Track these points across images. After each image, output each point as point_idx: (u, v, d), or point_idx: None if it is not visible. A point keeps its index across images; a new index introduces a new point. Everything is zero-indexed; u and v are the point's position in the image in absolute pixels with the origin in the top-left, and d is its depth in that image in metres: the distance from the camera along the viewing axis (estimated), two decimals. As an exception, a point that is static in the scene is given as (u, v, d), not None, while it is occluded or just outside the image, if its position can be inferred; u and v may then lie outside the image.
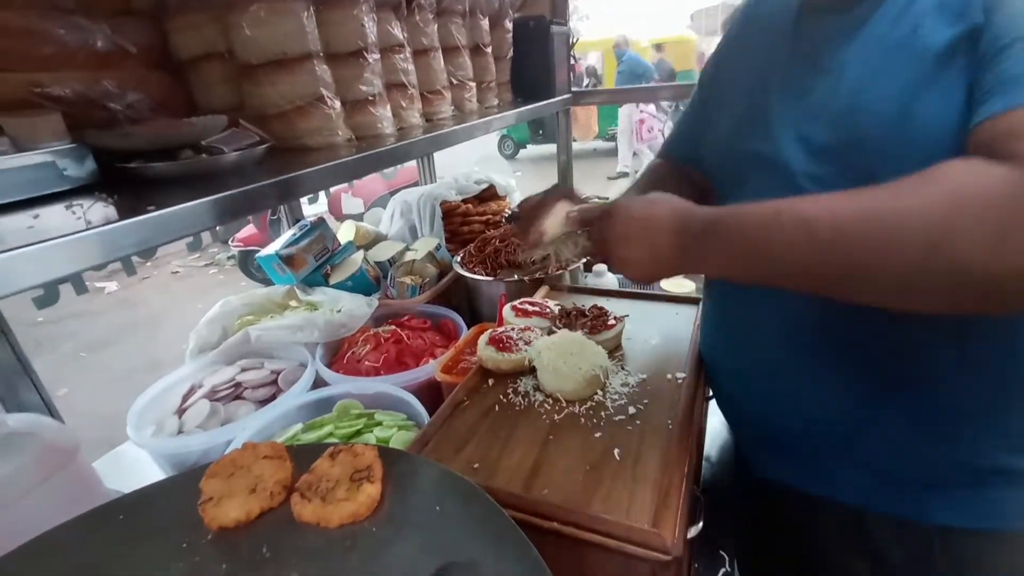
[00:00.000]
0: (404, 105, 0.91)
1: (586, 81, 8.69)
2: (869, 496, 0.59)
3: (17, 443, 0.65)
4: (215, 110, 0.72)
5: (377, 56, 0.82)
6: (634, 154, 6.67)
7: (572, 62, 1.52)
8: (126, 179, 0.57)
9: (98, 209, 0.47)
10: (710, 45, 2.91)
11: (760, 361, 0.64)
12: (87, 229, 0.41)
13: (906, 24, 0.46)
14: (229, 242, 4.64)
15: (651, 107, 6.49)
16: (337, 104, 0.76)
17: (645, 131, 6.25)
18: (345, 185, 4.91)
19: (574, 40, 1.48)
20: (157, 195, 0.53)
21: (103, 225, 0.40)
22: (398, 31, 0.88)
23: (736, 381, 0.70)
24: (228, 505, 0.50)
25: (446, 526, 0.47)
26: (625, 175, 6.71)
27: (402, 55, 0.89)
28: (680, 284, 1.42)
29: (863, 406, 0.56)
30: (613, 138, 8.37)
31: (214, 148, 0.60)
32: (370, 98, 0.81)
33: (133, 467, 0.94)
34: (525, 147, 9.20)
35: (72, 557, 0.48)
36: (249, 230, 4.42)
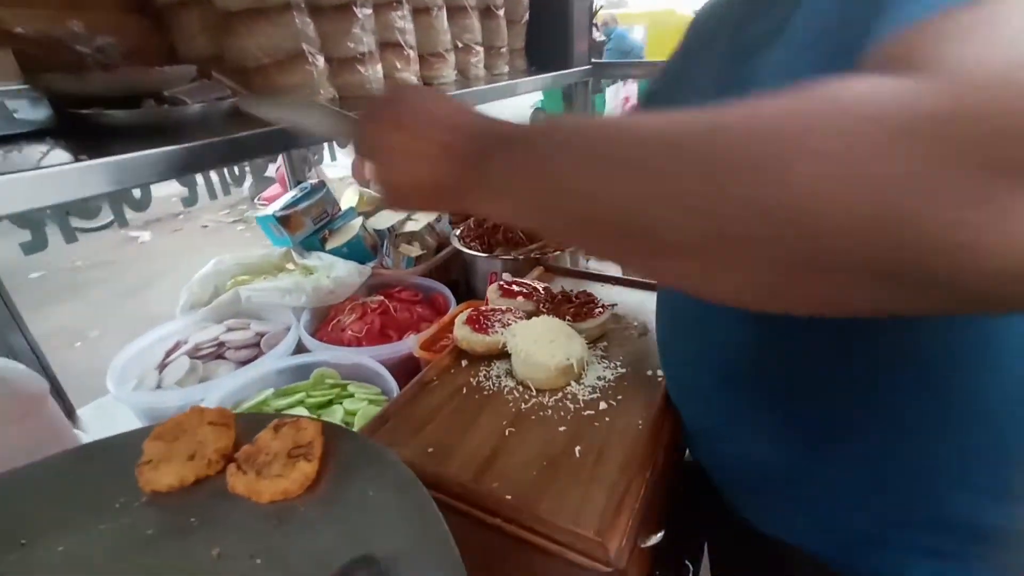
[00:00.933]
0: (399, 66, 0.86)
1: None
2: (831, 550, 0.50)
3: (-15, 386, 0.66)
4: (195, 60, 0.69)
5: (369, 11, 0.77)
6: None
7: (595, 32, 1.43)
8: (82, 126, 0.55)
9: (30, 154, 0.45)
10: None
11: (700, 399, 0.57)
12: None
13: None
14: (255, 200, 4.71)
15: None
16: (320, 60, 0.72)
17: (631, 111, 5.98)
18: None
19: (598, 8, 1.39)
20: (110, 144, 0.50)
21: (16, 172, 0.38)
22: (396, -15, 0.83)
23: (687, 419, 0.63)
24: (164, 470, 0.49)
25: (374, 514, 0.45)
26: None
27: (399, 12, 0.84)
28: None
29: (805, 452, 0.48)
30: (649, 117, 8.07)
31: (177, 99, 0.57)
32: (359, 56, 0.76)
33: (116, 416, 0.95)
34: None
35: (5, 506, 0.48)
36: (276, 189, 4.47)
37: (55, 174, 0.41)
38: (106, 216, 4.09)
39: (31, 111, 0.52)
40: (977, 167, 0.18)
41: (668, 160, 0.24)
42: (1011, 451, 0.41)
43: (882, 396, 0.42)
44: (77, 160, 0.42)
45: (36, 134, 0.52)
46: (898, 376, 0.41)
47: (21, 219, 0.79)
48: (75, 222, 1.10)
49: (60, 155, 0.46)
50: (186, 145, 0.48)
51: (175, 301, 1.09)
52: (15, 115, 0.50)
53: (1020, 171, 0.18)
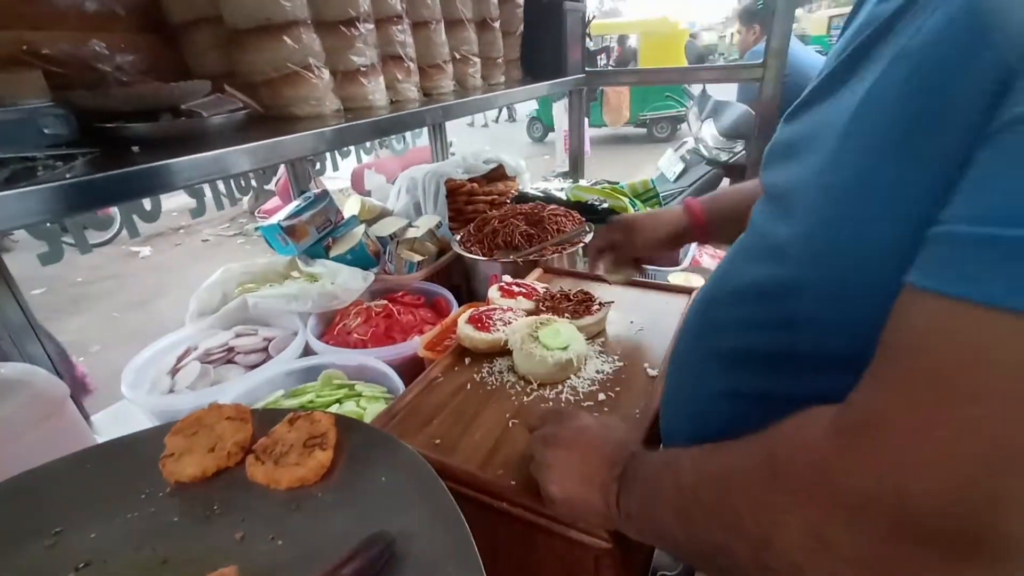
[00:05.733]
0: (400, 78, 0.90)
1: (631, 64, 8.62)
2: None
3: (8, 390, 0.68)
4: (207, 76, 0.72)
5: (371, 26, 0.81)
6: None
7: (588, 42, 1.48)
8: (106, 139, 0.58)
9: (64, 167, 0.48)
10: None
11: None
12: (35, 185, 0.42)
13: None
14: (255, 213, 4.75)
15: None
16: (325, 74, 0.75)
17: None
18: (369, 160, 4.92)
19: (590, 19, 1.43)
20: (132, 156, 0.54)
21: (50, 183, 0.41)
22: (396, 1, 0.87)
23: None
24: (187, 461, 0.52)
25: (387, 497, 0.48)
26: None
27: (400, 27, 0.88)
28: (688, 279, 1.39)
29: None
30: (644, 124, 8.14)
31: (193, 112, 0.61)
32: (362, 69, 0.80)
33: (130, 421, 0.98)
34: (554, 130, 9.08)
35: (38, 498, 0.50)
36: (275, 202, 4.51)
37: (81, 185, 0.44)
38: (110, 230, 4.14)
39: (59, 127, 0.55)
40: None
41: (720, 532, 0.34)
42: None
43: None
44: (101, 173, 0.45)
45: (62, 147, 0.56)
46: None
47: (38, 231, 0.82)
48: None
49: (96, 166, 0.49)
50: (209, 154, 0.51)
51: (175, 317, 1.12)
52: (44, 131, 0.53)
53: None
